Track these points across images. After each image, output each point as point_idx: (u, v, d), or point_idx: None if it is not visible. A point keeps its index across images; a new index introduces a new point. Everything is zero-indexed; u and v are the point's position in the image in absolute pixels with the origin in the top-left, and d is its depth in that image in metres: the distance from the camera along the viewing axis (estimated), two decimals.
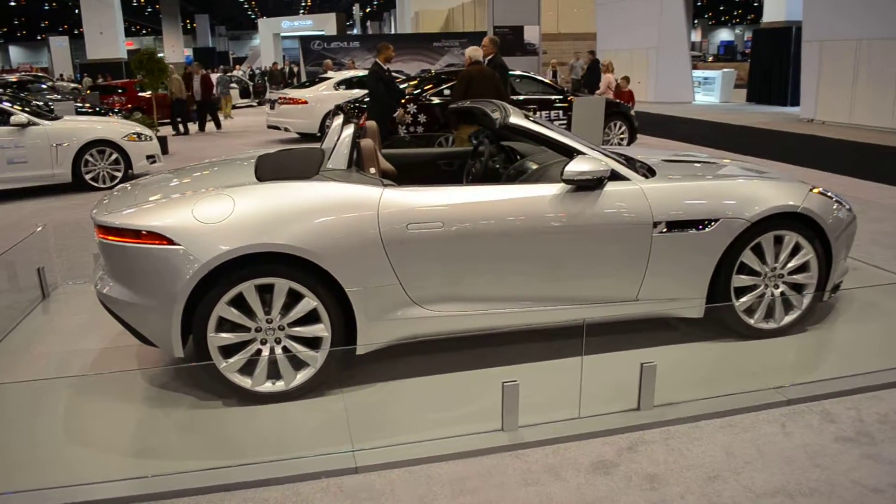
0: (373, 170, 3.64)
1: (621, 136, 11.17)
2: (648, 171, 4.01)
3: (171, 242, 3.23)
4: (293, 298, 3.34)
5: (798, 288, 4.02)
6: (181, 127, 16.58)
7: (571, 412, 3.18)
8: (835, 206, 4.08)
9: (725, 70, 22.17)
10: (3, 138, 8.94)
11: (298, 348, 3.41)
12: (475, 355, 3.80)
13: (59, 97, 19.05)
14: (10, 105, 9.27)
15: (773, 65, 19.13)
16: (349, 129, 3.75)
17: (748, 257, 3.84)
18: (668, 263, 3.72)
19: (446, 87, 10.10)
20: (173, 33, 48.89)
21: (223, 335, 3.33)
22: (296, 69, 22.78)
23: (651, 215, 3.63)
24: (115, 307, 3.47)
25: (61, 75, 31.20)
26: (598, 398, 3.31)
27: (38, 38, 59.14)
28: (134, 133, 9.97)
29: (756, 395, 3.35)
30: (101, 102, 17.79)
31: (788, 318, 4.01)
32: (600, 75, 14.91)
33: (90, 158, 9.57)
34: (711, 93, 21.70)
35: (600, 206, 3.58)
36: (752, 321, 3.94)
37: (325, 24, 39.85)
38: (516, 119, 3.79)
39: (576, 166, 3.51)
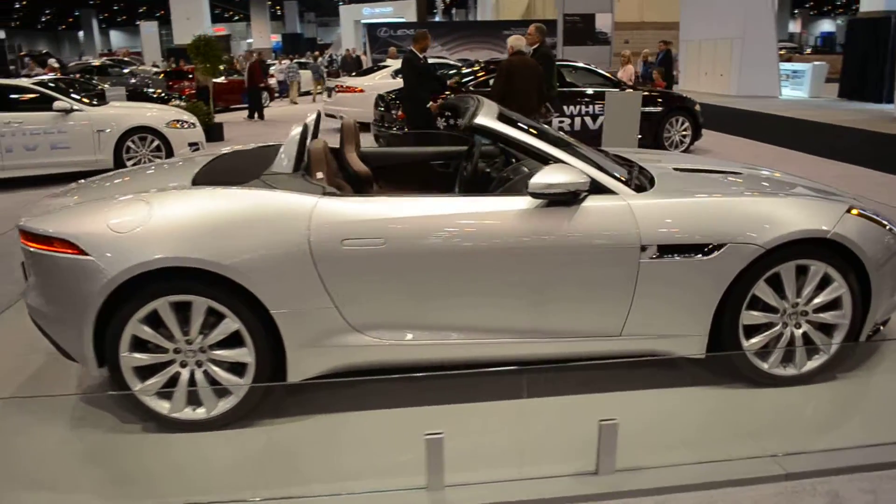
0: (320, 174, 3.22)
1: (684, 132, 10.31)
2: (650, 183, 3.42)
3: (82, 252, 2.92)
4: (218, 318, 2.99)
5: (829, 328, 3.35)
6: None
7: (513, 471, 2.68)
8: (880, 232, 3.36)
9: (816, 63, 20.43)
10: (47, 124, 9.05)
11: (220, 374, 3.05)
12: (427, 388, 3.32)
13: (134, 81, 19.65)
14: (53, 91, 9.37)
15: (868, 58, 17.44)
16: (297, 129, 3.34)
17: (762, 290, 3.20)
18: (660, 294, 3.13)
19: (492, 78, 9.54)
20: (261, 19, 49.85)
21: (137, 356, 3.00)
22: (363, 57, 22.61)
23: (639, 236, 3.05)
24: (37, 318, 3.21)
25: (128, 59, 31.84)
26: (552, 454, 2.79)
27: (136, 23, 61.85)
28: (176, 120, 9.93)
29: (748, 463, 2.74)
30: (169, 88, 18.10)
31: (812, 365, 3.34)
32: (673, 65, 13.88)
33: (132, 145, 9.59)
34: (800, 87, 20.08)
35: (575, 225, 3.03)
36: (765, 366, 3.30)
37: (405, 11, 39.59)
38: (483, 119, 3.27)
39: (543, 178, 2.97)
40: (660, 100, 10.12)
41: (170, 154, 9.70)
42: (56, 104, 9.06)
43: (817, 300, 3.27)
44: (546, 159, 3.16)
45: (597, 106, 9.74)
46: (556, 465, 2.70)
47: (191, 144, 10.04)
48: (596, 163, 3.31)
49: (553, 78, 8.39)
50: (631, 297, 3.11)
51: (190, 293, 2.93)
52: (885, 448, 2.81)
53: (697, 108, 10.37)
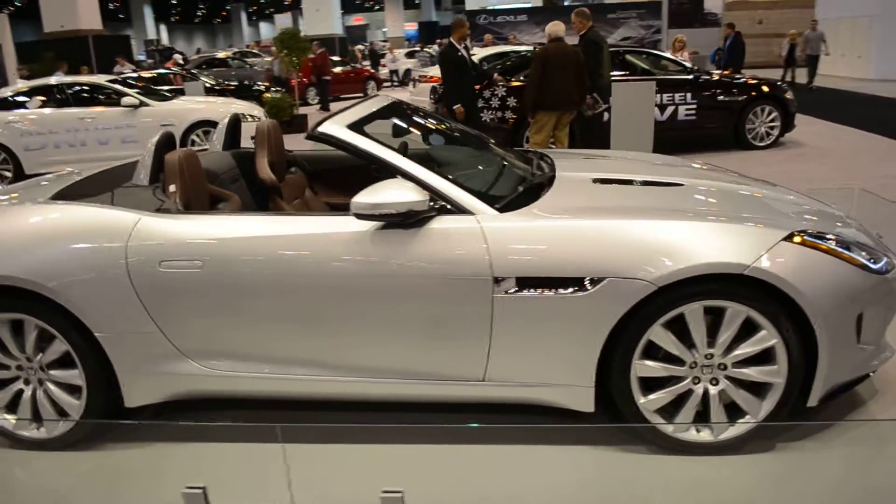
0: (173, 188, 2.99)
1: (770, 123, 9.15)
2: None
3: None
4: (53, 338, 2.87)
5: (762, 387, 2.68)
6: None
7: None
8: (838, 267, 2.62)
9: None
10: (117, 119, 9.55)
11: (58, 394, 2.93)
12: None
13: (263, 70, 20.54)
14: (123, 87, 9.87)
15: None
16: (155, 139, 3.14)
17: (660, 336, 2.60)
18: (524, 336, 2.63)
19: None
20: (395, 7, 50.57)
21: None
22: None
23: (490, 267, 2.55)
24: None
25: (257, 50, 33.02)
26: None
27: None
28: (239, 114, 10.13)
29: None
30: (270, 80, 18.64)
31: (734, 431, 2.68)
32: (743, 52, 12.42)
33: (196, 139, 9.92)
34: None
35: (413, 250, 2.60)
36: (669, 429, 2.69)
37: None
38: (327, 127, 2.87)
39: (367, 196, 2.56)
40: (735, 89, 9.02)
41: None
42: (124, 100, 9.55)
43: (738, 351, 2.61)
44: (393, 172, 2.74)
45: (665, 95, 8.84)
46: None
47: (253, 137, 10.22)
48: (466, 175, 2.84)
49: (603, 66, 7.68)
50: (488, 337, 2.62)
51: (20, 312, 2.83)
52: None
53: (789, 95, 9.16)
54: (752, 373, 2.63)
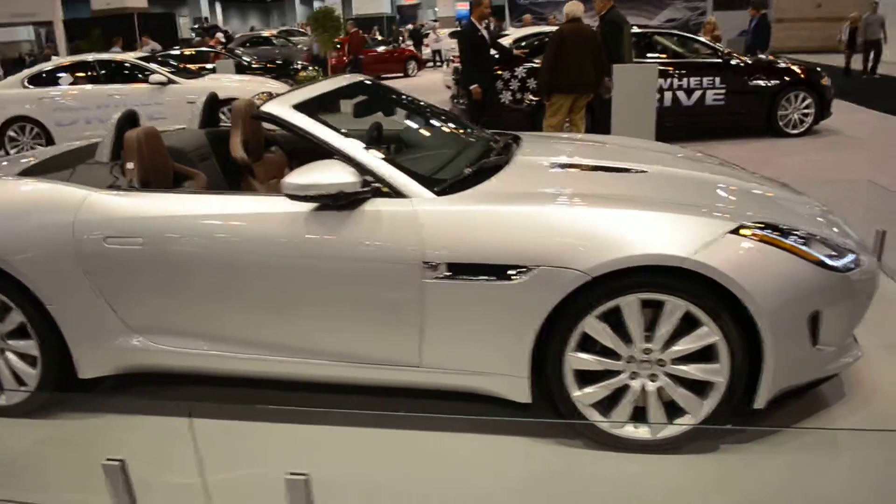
0: (130, 165, 3.03)
1: (805, 111, 8.76)
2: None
3: None
4: (8, 309, 2.96)
5: (704, 385, 2.58)
6: None
7: None
8: (793, 263, 2.50)
9: None
10: (145, 96, 9.76)
11: (17, 364, 3.03)
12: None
13: (310, 50, 20.76)
14: (153, 65, 10.07)
15: None
16: (117, 115, 3.19)
17: (595, 328, 2.52)
18: (457, 323, 2.59)
19: None
20: None
21: None
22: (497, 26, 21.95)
23: (421, 251, 2.52)
24: None
25: (302, 29, 32.83)
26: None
27: None
28: (265, 92, 10.23)
29: None
30: (310, 58, 18.76)
31: (672, 430, 2.59)
32: (769, 33, 11.84)
33: (222, 116, 10.04)
34: None
35: (347, 232, 2.58)
36: (605, 425, 2.62)
37: None
38: (272, 106, 2.86)
39: (298, 177, 2.55)
40: (767, 73, 8.65)
41: None
42: (152, 78, 9.74)
43: (677, 347, 2.52)
44: (332, 153, 2.71)
45: (692, 79, 8.56)
46: None
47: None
48: (417, 157, 2.81)
49: (623, 48, 7.46)
50: (420, 322, 2.59)
51: None
52: None
53: (825, 81, 8.75)
54: (692, 370, 2.54)
